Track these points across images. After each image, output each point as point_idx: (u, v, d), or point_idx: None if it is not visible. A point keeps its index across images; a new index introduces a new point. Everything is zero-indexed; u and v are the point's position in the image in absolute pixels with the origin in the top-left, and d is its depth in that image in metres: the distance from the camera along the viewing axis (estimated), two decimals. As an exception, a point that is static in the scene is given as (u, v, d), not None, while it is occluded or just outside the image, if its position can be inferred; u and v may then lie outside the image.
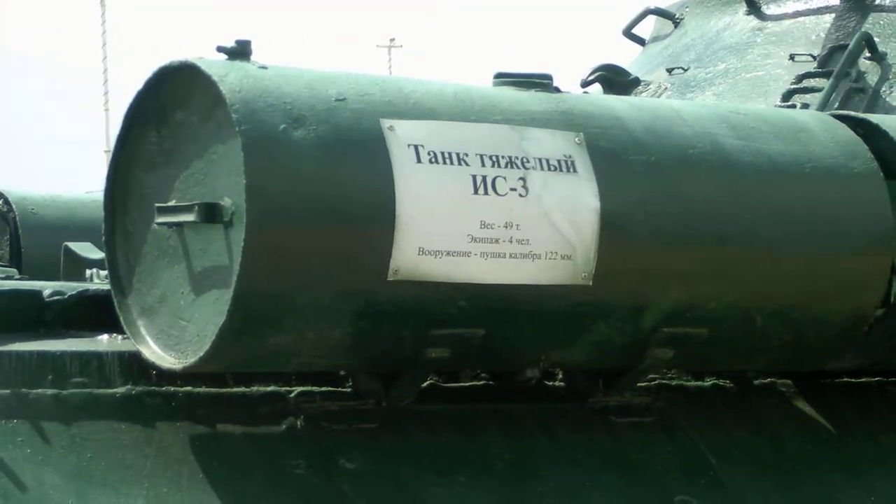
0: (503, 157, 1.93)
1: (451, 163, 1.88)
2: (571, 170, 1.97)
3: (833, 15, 3.91)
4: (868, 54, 3.70)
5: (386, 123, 1.85)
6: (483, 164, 1.90)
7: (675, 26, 4.46)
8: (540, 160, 1.96)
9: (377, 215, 1.81)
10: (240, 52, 1.87)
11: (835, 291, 2.25)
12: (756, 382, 2.56)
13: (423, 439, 2.17)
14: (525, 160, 1.95)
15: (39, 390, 1.92)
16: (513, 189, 1.91)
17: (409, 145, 1.85)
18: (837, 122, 2.40)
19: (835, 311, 2.27)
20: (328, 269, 1.84)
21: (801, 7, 4.05)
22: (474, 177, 1.88)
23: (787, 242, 2.18)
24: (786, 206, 2.18)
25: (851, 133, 2.34)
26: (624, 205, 2.00)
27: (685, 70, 4.08)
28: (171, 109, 1.94)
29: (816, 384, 2.59)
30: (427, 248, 1.85)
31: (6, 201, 4.44)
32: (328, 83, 1.91)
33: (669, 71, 4.14)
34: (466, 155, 1.89)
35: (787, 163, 2.21)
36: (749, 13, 4.18)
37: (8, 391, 1.88)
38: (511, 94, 2.22)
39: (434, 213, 1.86)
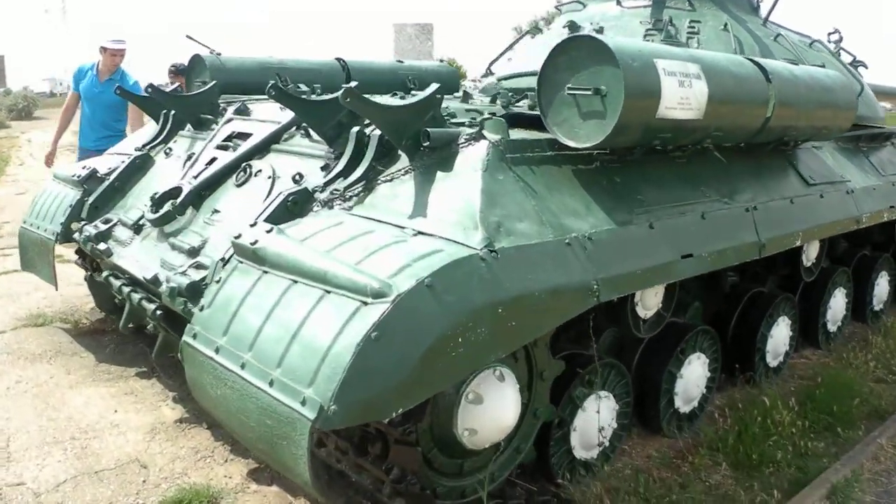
0: (683, 73, 2.85)
1: (673, 75, 2.80)
2: (701, 78, 2.93)
3: (650, 7, 4.69)
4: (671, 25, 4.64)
5: (656, 61, 2.76)
6: (679, 76, 2.83)
7: (584, 7, 5.16)
8: (694, 74, 2.90)
9: (655, 94, 2.70)
10: (599, 30, 2.86)
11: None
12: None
13: (634, 171, 3.02)
14: (690, 74, 2.88)
15: (509, 155, 2.63)
16: (687, 86, 2.85)
17: (662, 68, 2.76)
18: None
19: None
20: (641, 112, 2.68)
21: (637, 3, 4.80)
22: (678, 80, 2.83)
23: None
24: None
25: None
26: (715, 89, 2.98)
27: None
28: (574, 52, 2.69)
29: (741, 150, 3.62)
30: (667, 106, 2.77)
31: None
32: (642, 47, 2.82)
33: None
34: (675, 73, 2.81)
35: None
36: (617, 5, 4.88)
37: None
38: (679, 50, 3.16)
39: (669, 94, 2.77)
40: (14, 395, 3.76)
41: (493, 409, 2.60)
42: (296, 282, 2.40)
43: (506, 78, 4.93)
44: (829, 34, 5.29)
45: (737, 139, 3.50)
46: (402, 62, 5.52)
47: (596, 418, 3.20)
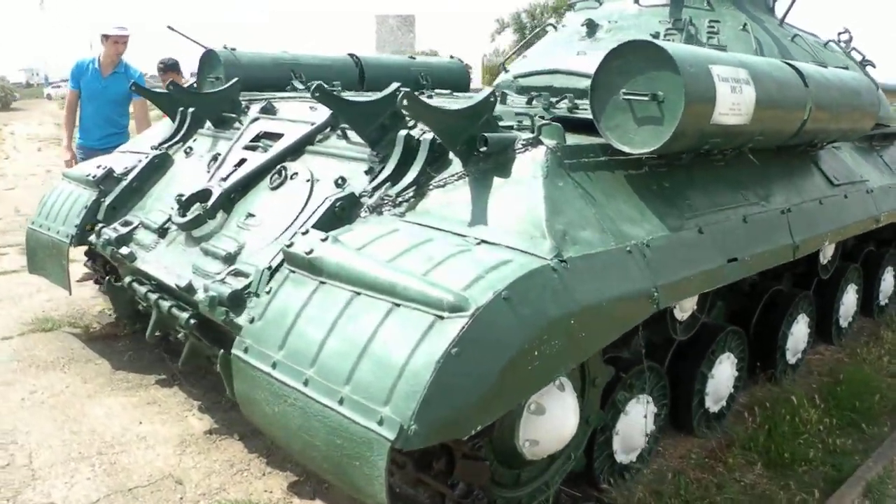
0: (734, 78, 2.79)
1: (726, 81, 2.73)
2: (750, 84, 2.87)
3: (669, 6, 4.50)
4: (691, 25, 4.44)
5: (710, 67, 2.69)
6: (731, 82, 2.76)
7: (600, 5, 5.03)
8: (744, 80, 2.84)
9: (711, 100, 2.64)
10: (655, 35, 2.77)
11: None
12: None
13: (681, 175, 2.99)
14: (741, 80, 2.82)
15: (566, 160, 2.56)
16: (737, 91, 2.78)
17: (716, 74, 2.69)
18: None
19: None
20: (698, 118, 2.61)
21: (655, 2, 4.64)
22: (731, 86, 2.76)
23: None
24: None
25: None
26: (762, 95, 2.92)
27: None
28: (630, 56, 2.59)
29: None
30: (720, 112, 2.71)
31: None
32: (696, 52, 2.76)
33: None
34: (728, 78, 2.74)
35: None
36: (634, 3, 4.75)
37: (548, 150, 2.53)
38: (728, 56, 3.06)
39: (723, 100, 2.70)
40: (30, 407, 3.58)
41: (555, 419, 2.56)
42: (359, 293, 2.30)
43: (522, 76, 4.85)
44: (840, 34, 5.29)
45: (774, 143, 3.47)
46: (413, 58, 5.42)
47: (642, 423, 3.17)
